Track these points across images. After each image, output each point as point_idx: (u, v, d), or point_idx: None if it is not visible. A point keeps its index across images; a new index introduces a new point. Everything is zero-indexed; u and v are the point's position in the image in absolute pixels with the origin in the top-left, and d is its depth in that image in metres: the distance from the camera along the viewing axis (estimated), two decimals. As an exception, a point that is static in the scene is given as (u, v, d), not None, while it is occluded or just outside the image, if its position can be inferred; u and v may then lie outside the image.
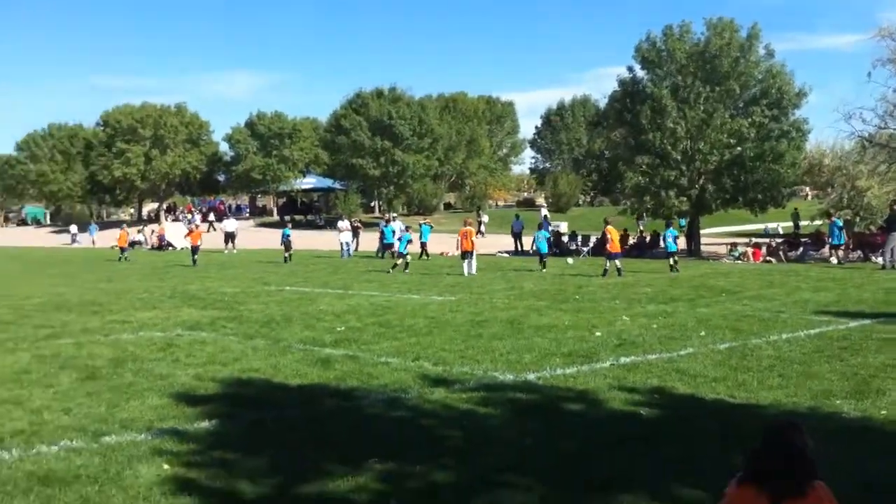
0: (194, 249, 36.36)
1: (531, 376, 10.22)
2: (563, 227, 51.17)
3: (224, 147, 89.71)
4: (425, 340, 13.15)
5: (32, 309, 18.82)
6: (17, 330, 15.17)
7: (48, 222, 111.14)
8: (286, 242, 38.46)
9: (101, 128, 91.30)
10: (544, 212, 58.57)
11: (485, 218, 60.26)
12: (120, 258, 42.03)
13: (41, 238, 79.16)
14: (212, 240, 52.49)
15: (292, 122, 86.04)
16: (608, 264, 26.44)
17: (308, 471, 6.61)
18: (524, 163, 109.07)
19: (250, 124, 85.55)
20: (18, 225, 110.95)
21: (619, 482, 6.25)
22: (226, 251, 47.53)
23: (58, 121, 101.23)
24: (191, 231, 35.34)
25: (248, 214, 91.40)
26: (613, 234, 27.42)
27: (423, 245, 39.49)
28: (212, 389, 9.75)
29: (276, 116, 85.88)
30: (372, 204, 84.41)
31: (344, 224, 45.93)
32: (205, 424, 8.11)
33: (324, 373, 10.65)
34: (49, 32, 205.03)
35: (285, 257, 37.52)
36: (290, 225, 42.20)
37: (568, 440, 7.45)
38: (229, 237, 49.14)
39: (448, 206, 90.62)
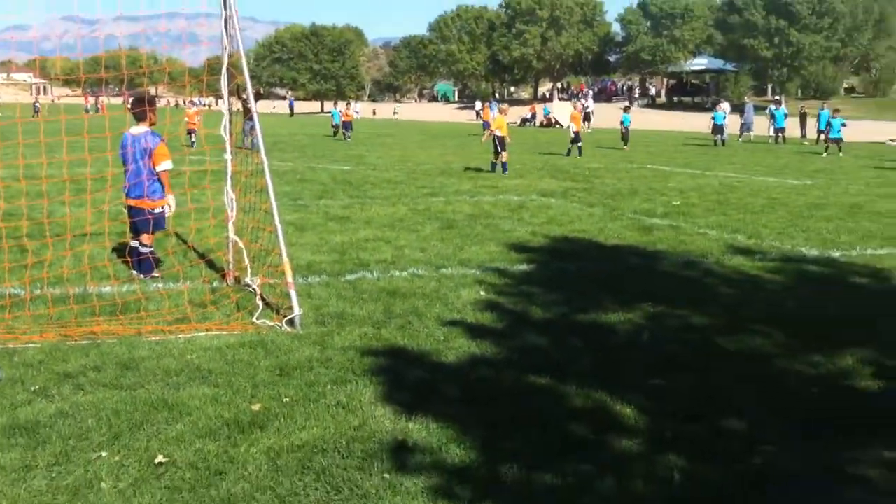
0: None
1: (836, 254, 10.64)
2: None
3: (616, 27, 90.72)
4: (752, 217, 13.77)
5: (421, 173, 21.83)
6: (404, 189, 18.03)
7: (455, 99, 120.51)
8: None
9: (504, 9, 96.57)
10: None
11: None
12: None
13: (448, 113, 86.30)
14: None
15: (685, 2, 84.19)
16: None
17: (589, 305, 8.02)
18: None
19: (643, 4, 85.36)
20: (430, 101, 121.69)
21: (859, 345, 6.89)
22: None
23: (466, 3, 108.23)
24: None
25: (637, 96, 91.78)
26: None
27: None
28: (540, 243, 11.44)
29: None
30: (764, 87, 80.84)
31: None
32: (522, 267, 9.80)
33: (641, 237, 11.87)
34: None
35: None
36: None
37: (833, 306, 8.07)
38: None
39: (849, 91, 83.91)
